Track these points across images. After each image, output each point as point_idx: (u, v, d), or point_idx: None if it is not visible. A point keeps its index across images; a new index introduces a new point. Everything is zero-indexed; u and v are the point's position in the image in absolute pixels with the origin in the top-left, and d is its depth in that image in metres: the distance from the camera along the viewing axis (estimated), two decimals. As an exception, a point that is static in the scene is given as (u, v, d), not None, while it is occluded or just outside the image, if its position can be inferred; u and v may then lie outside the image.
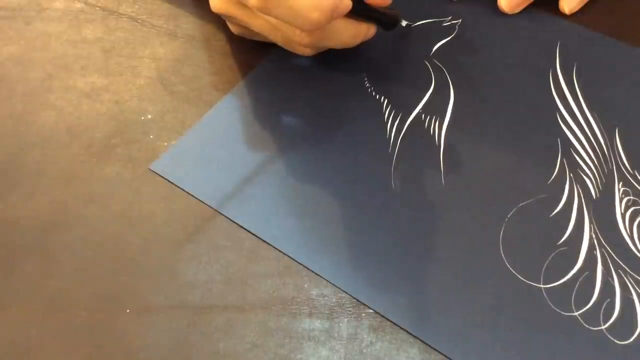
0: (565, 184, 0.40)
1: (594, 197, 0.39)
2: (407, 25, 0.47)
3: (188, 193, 0.40)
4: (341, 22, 0.41)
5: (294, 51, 0.42)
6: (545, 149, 0.41)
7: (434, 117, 0.43)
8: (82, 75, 0.45)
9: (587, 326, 0.35)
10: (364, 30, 0.43)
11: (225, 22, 0.46)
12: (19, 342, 0.35)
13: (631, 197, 0.39)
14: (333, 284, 0.36)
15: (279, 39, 0.42)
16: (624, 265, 0.37)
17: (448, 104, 0.43)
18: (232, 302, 0.36)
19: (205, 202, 0.39)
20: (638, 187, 0.40)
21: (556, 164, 0.41)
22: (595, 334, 0.34)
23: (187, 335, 0.35)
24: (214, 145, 0.42)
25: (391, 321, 0.35)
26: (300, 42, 0.41)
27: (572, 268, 0.37)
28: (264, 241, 0.38)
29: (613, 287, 0.36)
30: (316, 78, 0.44)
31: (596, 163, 0.41)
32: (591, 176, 0.40)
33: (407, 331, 0.35)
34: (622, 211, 0.39)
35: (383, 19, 0.44)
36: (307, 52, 0.43)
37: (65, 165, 0.41)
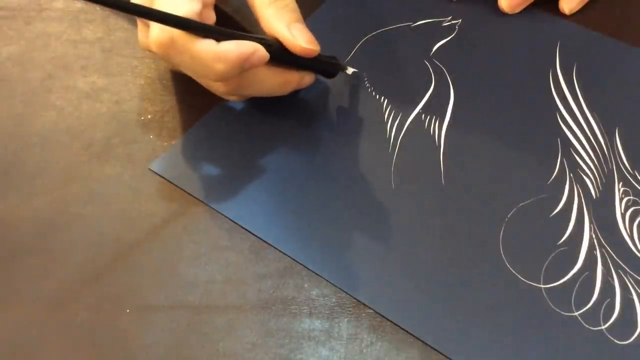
0: (565, 184, 0.40)
1: (594, 197, 0.39)
2: (353, 73, 0.44)
3: (188, 193, 0.40)
4: (263, 72, 0.39)
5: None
6: (545, 149, 0.41)
7: (434, 117, 0.43)
8: (82, 75, 0.45)
9: (587, 326, 0.35)
10: (294, 79, 0.41)
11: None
12: (19, 342, 0.35)
13: (631, 197, 0.39)
14: (333, 284, 0.36)
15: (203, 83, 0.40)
16: (624, 265, 0.37)
17: (448, 104, 0.43)
18: (232, 302, 0.36)
19: (205, 202, 0.39)
20: (638, 187, 0.40)
21: (556, 164, 0.41)
22: (595, 334, 0.34)
23: (187, 335, 0.35)
24: (214, 145, 0.42)
25: (391, 321, 0.35)
26: (217, 91, 0.40)
27: (572, 268, 0.37)
28: (264, 241, 0.38)
29: (613, 287, 0.36)
30: (316, 78, 0.44)
31: (596, 163, 0.41)
32: (591, 176, 0.40)
33: (407, 331, 0.35)
34: (622, 211, 0.39)
35: (317, 67, 0.42)
36: (232, 99, 0.41)
37: (65, 165, 0.41)
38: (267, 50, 0.37)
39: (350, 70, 0.44)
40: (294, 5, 0.40)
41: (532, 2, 0.48)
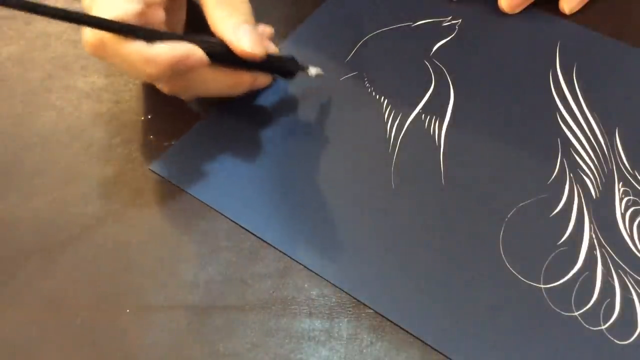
0: (565, 184, 0.40)
1: (594, 197, 0.39)
2: (317, 74, 0.42)
3: (188, 193, 0.40)
4: (209, 73, 0.38)
5: None
6: (545, 149, 0.41)
7: (434, 117, 0.43)
8: (82, 75, 0.45)
9: (587, 326, 0.35)
10: (246, 80, 0.40)
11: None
12: (19, 342, 0.35)
13: (631, 197, 0.39)
14: (333, 284, 0.36)
15: None
16: (624, 265, 0.37)
17: (448, 104, 0.43)
18: (232, 302, 0.36)
19: (205, 202, 0.39)
20: (638, 187, 0.40)
21: (556, 164, 0.41)
22: (595, 334, 0.34)
23: (187, 335, 0.35)
24: (214, 145, 0.42)
25: (391, 321, 0.35)
26: (162, 90, 0.39)
27: (572, 268, 0.37)
28: (264, 241, 0.38)
29: (613, 287, 0.36)
30: (316, 78, 0.44)
31: (596, 163, 0.41)
32: (591, 176, 0.40)
33: (407, 331, 0.35)
34: (622, 211, 0.39)
35: (270, 68, 0.41)
36: (183, 97, 0.41)
37: (65, 165, 0.41)
38: (212, 53, 0.37)
39: (313, 71, 0.42)
40: (244, 7, 0.39)
41: (532, 2, 0.48)
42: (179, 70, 0.36)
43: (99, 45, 0.36)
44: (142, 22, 0.36)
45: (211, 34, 0.39)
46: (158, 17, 0.38)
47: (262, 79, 0.41)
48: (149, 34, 0.36)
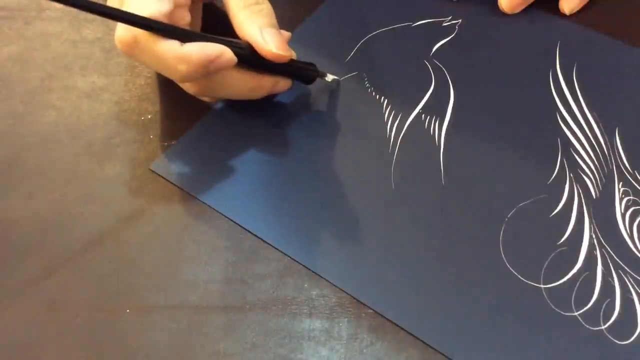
0: (565, 184, 0.40)
1: (594, 197, 0.39)
2: (333, 80, 0.43)
3: (188, 193, 0.40)
4: (234, 75, 0.39)
5: None
6: (545, 149, 0.41)
7: (434, 117, 0.43)
8: (82, 75, 0.45)
9: (587, 326, 0.35)
10: (268, 83, 0.41)
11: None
12: (19, 342, 0.35)
13: (631, 197, 0.39)
14: (333, 284, 0.36)
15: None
16: (624, 265, 0.37)
17: (448, 104, 0.43)
18: (232, 302, 0.36)
19: (205, 202, 0.39)
20: (638, 187, 0.40)
21: (556, 164, 0.41)
22: (595, 334, 0.34)
23: (187, 335, 0.35)
24: (214, 145, 0.42)
25: (391, 321, 0.35)
26: (188, 90, 0.40)
27: (572, 268, 0.37)
28: (264, 241, 0.38)
29: (613, 287, 0.36)
30: (293, 84, 0.44)
31: (596, 163, 0.41)
32: (591, 176, 0.40)
33: (407, 331, 0.35)
34: (622, 211, 0.39)
35: (292, 73, 0.42)
36: (205, 99, 0.42)
37: (65, 165, 0.41)
38: (238, 54, 0.37)
39: (330, 78, 0.43)
40: (269, 10, 0.40)
41: (532, 2, 0.48)
42: (209, 69, 0.37)
43: (131, 43, 0.36)
44: (170, 22, 0.37)
45: (235, 36, 0.39)
46: (185, 19, 0.39)
47: (282, 83, 0.42)
48: (181, 33, 0.36)
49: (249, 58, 0.39)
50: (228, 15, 0.40)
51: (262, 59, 0.39)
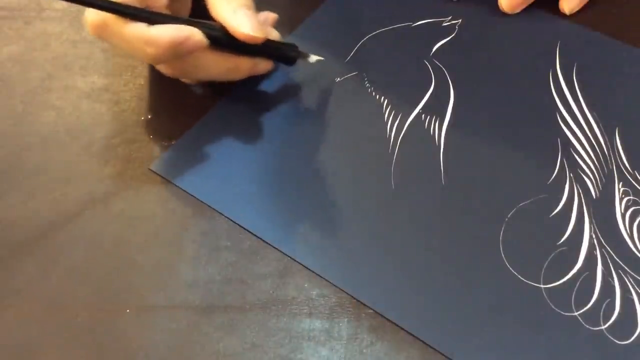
0: (565, 184, 0.40)
1: (594, 197, 0.39)
2: (317, 61, 0.43)
3: (188, 193, 0.40)
4: (209, 56, 0.39)
5: None
6: (545, 149, 0.41)
7: (434, 117, 0.43)
8: (82, 75, 0.45)
9: (587, 326, 0.35)
10: (246, 65, 0.40)
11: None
12: (19, 342, 0.35)
13: (631, 197, 0.39)
14: (333, 284, 0.36)
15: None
16: (624, 265, 0.37)
17: (448, 104, 0.43)
18: (232, 302, 0.36)
19: (205, 202, 0.39)
20: (638, 187, 0.40)
21: (556, 164, 0.41)
22: (595, 334, 0.34)
23: (187, 335, 0.35)
24: (214, 145, 0.42)
25: (391, 321, 0.35)
26: (165, 73, 0.40)
27: (572, 268, 0.37)
28: (264, 241, 0.38)
29: (613, 287, 0.36)
30: (316, 79, 0.44)
31: (596, 163, 0.41)
32: (591, 176, 0.40)
33: (407, 331, 0.35)
34: (622, 211, 0.39)
35: (270, 54, 0.41)
36: (184, 81, 0.42)
37: (65, 165, 0.41)
38: (212, 36, 0.38)
39: (313, 58, 0.43)
40: None
41: (532, 2, 0.48)
42: (178, 52, 0.37)
43: (100, 26, 0.36)
44: (144, 5, 0.37)
45: (212, 18, 0.39)
46: (160, 1, 0.39)
47: (262, 65, 0.42)
48: (149, 16, 0.37)
49: (224, 40, 0.38)
50: None
51: (237, 40, 0.38)
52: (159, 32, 0.36)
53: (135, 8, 0.36)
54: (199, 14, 0.40)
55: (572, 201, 0.39)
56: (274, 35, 0.41)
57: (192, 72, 0.40)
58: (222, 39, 0.38)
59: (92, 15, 0.37)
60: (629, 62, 0.45)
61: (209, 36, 0.38)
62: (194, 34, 0.37)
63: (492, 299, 0.35)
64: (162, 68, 0.40)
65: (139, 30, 0.36)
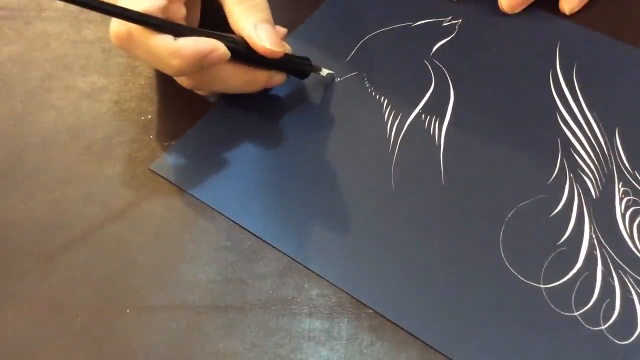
0: (565, 184, 0.40)
1: (594, 197, 0.39)
2: (328, 74, 0.44)
3: (188, 193, 0.40)
4: (228, 69, 0.39)
5: None
6: (545, 149, 0.41)
7: (434, 117, 0.43)
8: (82, 75, 0.45)
9: (587, 326, 0.35)
10: (262, 78, 0.41)
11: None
12: (19, 342, 0.35)
13: (631, 197, 0.39)
14: (333, 284, 0.36)
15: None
16: (624, 265, 0.37)
17: (448, 104, 0.43)
18: (232, 302, 0.36)
19: (205, 202, 0.39)
20: (638, 187, 0.40)
21: (556, 164, 0.41)
22: (595, 334, 0.34)
23: (187, 335, 0.35)
24: (214, 145, 0.42)
25: (391, 321, 0.35)
26: (183, 84, 0.40)
27: (572, 268, 0.37)
28: (264, 241, 0.38)
29: (613, 287, 0.36)
30: (316, 79, 0.44)
31: (596, 163, 0.41)
32: (591, 176, 0.40)
33: (407, 331, 0.35)
34: (622, 211, 0.39)
35: (286, 67, 0.42)
36: (200, 93, 0.42)
37: (65, 165, 0.41)
38: (232, 49, 0.38)
39: (324, 72, 0.44)
40: (264, 5, 0.40)
41: (532, 2, 0.48)
42: (203, 64, 0.37)
43: (125, 37, 0.36)
44: (165, 17, 0.37)
45: (230, 31, 0.39)
46: (180, 13, 0.39)
47: (277, 77, 0.42)
48: (175, 28, 0.37)
49: (243, 53, 0.39)
50: (223, 10, 0.40)
51: (256, 53, 0.39)
52: (184, 44, 0.36)
53: (160, 19, 0.36)
54: (205, 25, 0.40)
55: (572, 201, 0.39)
56: (288, 48, 0.42)
57: (211, 83, 0.40)
58: (242, 52, 0.39)
59: (116, 25, 0.36)
60: (629, 62, 0.46)
61: (229, 48, 0.38)
62: (218, 47, 0.37)
63: (492, 299, 0.35)
64: (183, 80, 0.40)
65: (165, 42, 0.36)
